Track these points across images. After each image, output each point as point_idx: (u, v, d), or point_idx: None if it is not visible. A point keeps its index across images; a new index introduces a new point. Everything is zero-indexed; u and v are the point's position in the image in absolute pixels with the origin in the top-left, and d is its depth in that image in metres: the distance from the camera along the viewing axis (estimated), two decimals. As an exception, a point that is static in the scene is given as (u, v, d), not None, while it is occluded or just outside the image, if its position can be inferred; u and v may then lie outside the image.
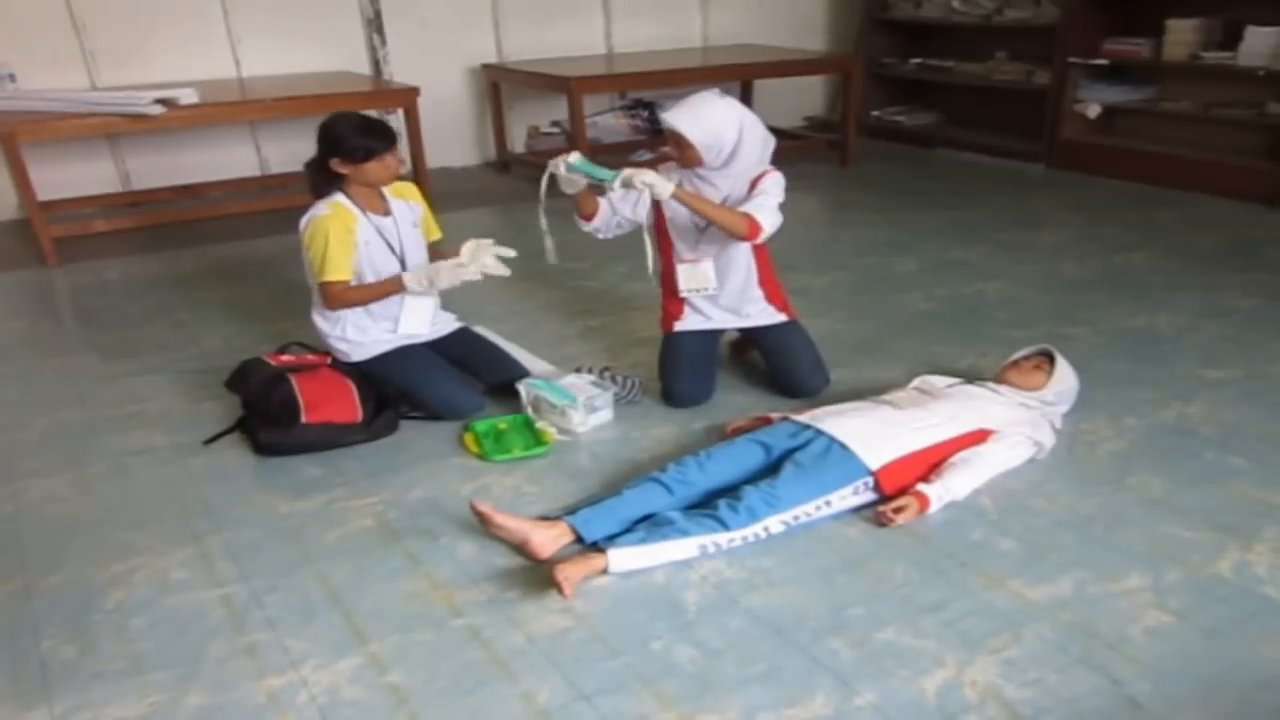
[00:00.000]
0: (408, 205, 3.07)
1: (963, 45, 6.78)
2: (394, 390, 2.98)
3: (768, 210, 2.78)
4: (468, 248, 2.92)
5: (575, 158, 2.74)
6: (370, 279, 2.95)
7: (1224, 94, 5.39)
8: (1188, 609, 2.05)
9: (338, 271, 2.88)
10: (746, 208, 2.76)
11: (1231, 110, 5.34)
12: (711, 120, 2.75)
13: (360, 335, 3.02)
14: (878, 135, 7.08)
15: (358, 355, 3.02)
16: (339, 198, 2.92)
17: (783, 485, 2.31)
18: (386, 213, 3.00)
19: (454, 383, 3.02)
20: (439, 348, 3.12)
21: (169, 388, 3.25)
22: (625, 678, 1.89)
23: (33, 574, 2.27)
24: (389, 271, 2.97)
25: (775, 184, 2.85)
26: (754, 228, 2.73)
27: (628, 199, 2.91)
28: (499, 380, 3.09)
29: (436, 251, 3.14)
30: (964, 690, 1.84)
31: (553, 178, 2.78)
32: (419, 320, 3.07)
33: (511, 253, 2.92)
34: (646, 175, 2.68)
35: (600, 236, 3.02)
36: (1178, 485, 2.51)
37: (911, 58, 7.02)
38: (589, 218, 2.96)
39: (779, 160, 2.94)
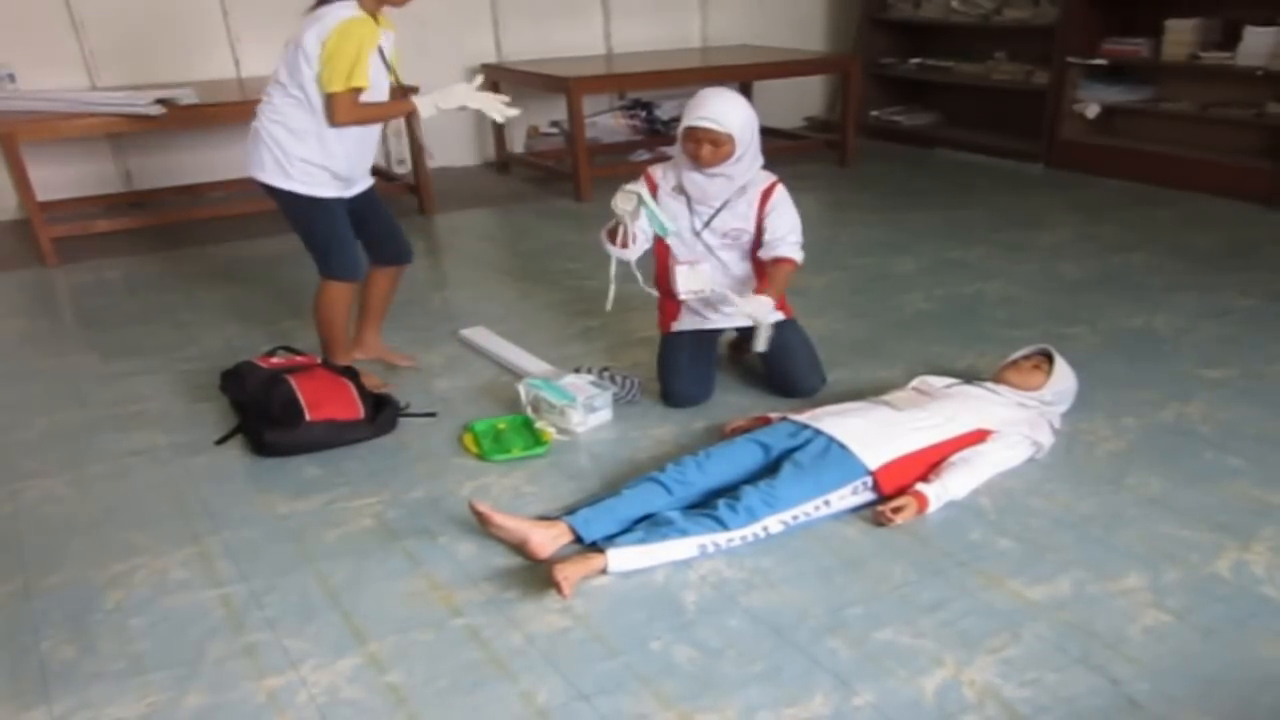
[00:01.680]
0: (388, 35, 2.97)
1: (961, 45, 6.78)
2: (299, 233, 3.03)
3: (800, 246, 2.93)
4: (460, 89, 2.97)
5: (646, 194, 2.79)
6: (364, 98, 2.85)
7: (1223, 94, 5.40)
8: (1186, 608, 2.05)
9: (363, 79, 2.78)
10: (785, 251, 2.89)
11: (1230, 110, 5.35)
12: (741, 112, 2.77)
13: (326, 160, 2.90)
14: (876, 135, 7.08)
15: (304, 187, 2.92)
16: (355, 5, 2.81)
17: (782, 485, 2.31)
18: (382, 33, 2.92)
19: (355, 249, 3.08)
20: (350, 205, 3.09)
21: (169, 388, 3.25)
22: (624, 677, 1.90)
23: (32, 574, 2.28)
24: (381, 94, 2.91)
25: (791, 204, 2.92)
26: (795, 266, 2.94)
27: (640, 218, 2.90)
28: (388, 260, 3.24)
29: (396, 90, 3.07)
30: (963, 690, 1.84)
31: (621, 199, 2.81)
32: (363, 165, 3.06)
33: (513, 112, 3.01)
34: (755, 308, 2.78)
35: (630, 259, 2.96)
36: (1176, 485, 2.51)
37: (910, 58, 7.03)
38: (625, 245, 2.89)
39: (779, 161, 2.96)
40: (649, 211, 2.80)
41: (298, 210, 2.99)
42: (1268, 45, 5.00)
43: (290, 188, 2.93)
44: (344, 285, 3.10)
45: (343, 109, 2.81)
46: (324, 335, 3.19)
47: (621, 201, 2.76)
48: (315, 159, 2.90)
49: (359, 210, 3.13)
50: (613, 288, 2.91)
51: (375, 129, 3.05)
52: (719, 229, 2.91)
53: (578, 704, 1.83)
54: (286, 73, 2.89)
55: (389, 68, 2.95)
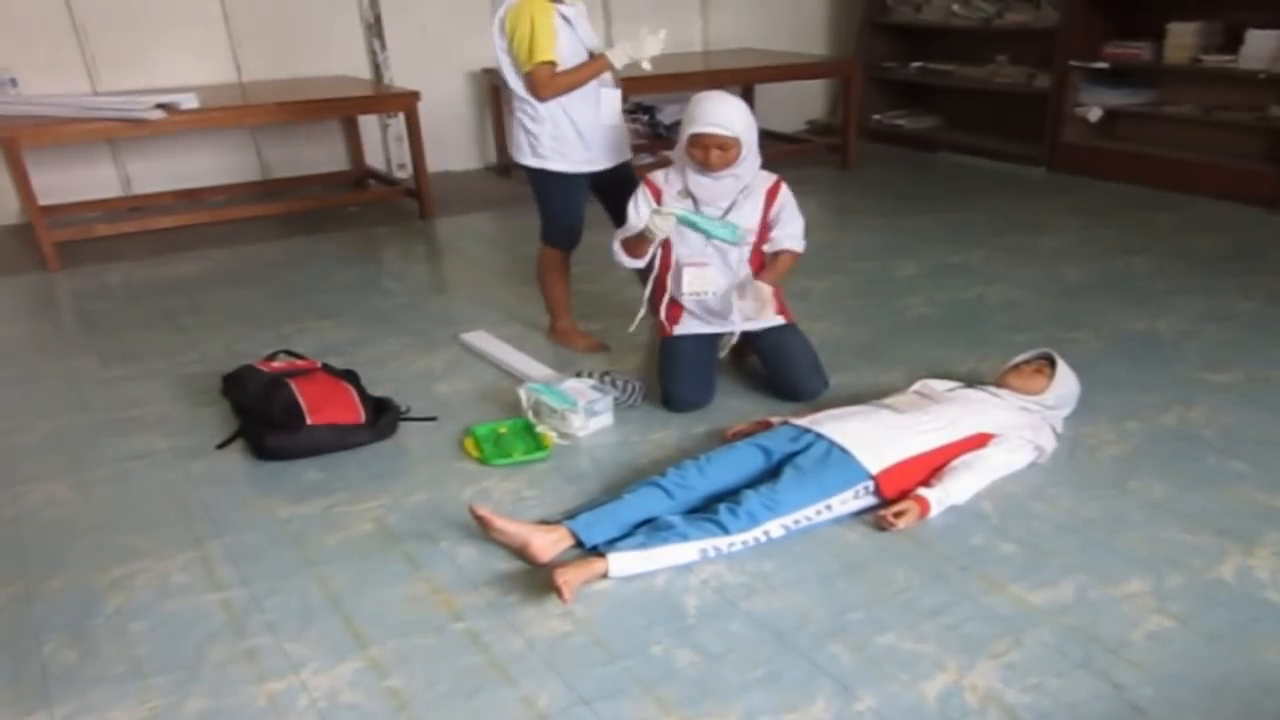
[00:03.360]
0: (576, 7, 3.15)
1: (963, 49, 6.78)
2: (536, 201, 3.29)
3: (801, 238, 2.97)
4: (652, 40, 3.14)
5: (676, 210, 2.82)
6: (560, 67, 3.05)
7: (1225, 97, 5.39)
8: (1189, 613, 2.04)
9: (546, 53, 2.96)
10: (789, 245, 2.94)
11: (1232, 113, 5.34)
12: (743, 113, 2.79)
13: (561, 145, 3.15)
14: (878, 139, 7.08)
15: (555, 164, 3.18)
16: None
17: (783, 489, 2.31)
18: (567, 1, 3.08)
19: (576, 224, 3.34)
20: (597, 179, 3.28)
21: (170, 392, 3.25)
22: (625, 682, 1.89)
23: (34, 578, 2.27)
24: (576, 62, 3.06)
25: (793, 200, 2.95)
26: (795, 258, 2.98)
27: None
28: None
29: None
30: (964, 695, 1.84)
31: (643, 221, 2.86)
32: (613, 110, 3.18)
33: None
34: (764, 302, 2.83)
35: (642, 266, 3.03)
36: (1179, 489, 2.50)
37: (912, 61, 7.03)
38: (641, 256, 2.95)
39: (781, 165, 2.97)
40: (703, 227, 2.82)
41: (539, 182, 3.27)
42: (1270, 48, 5.00)
43: (537, 164, 3.21)
44: (555, 251, 3.39)
45: (540, 83, 3.02)
46: (543, 295, 3.52)
47: (662, 224, 2.78)
48: (561, 135, 3.14)
49: (604, 185, 3.31)
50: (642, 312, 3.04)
51: (610, 103, 3.18)
52: None
53: (579, 709, 1.83)
54: (503, 67, 3.13)
55: (580, 33, 3.12)
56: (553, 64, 3.00)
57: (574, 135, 3.16)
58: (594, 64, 3.07)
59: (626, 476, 2.62)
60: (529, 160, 3.22)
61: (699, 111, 2.76)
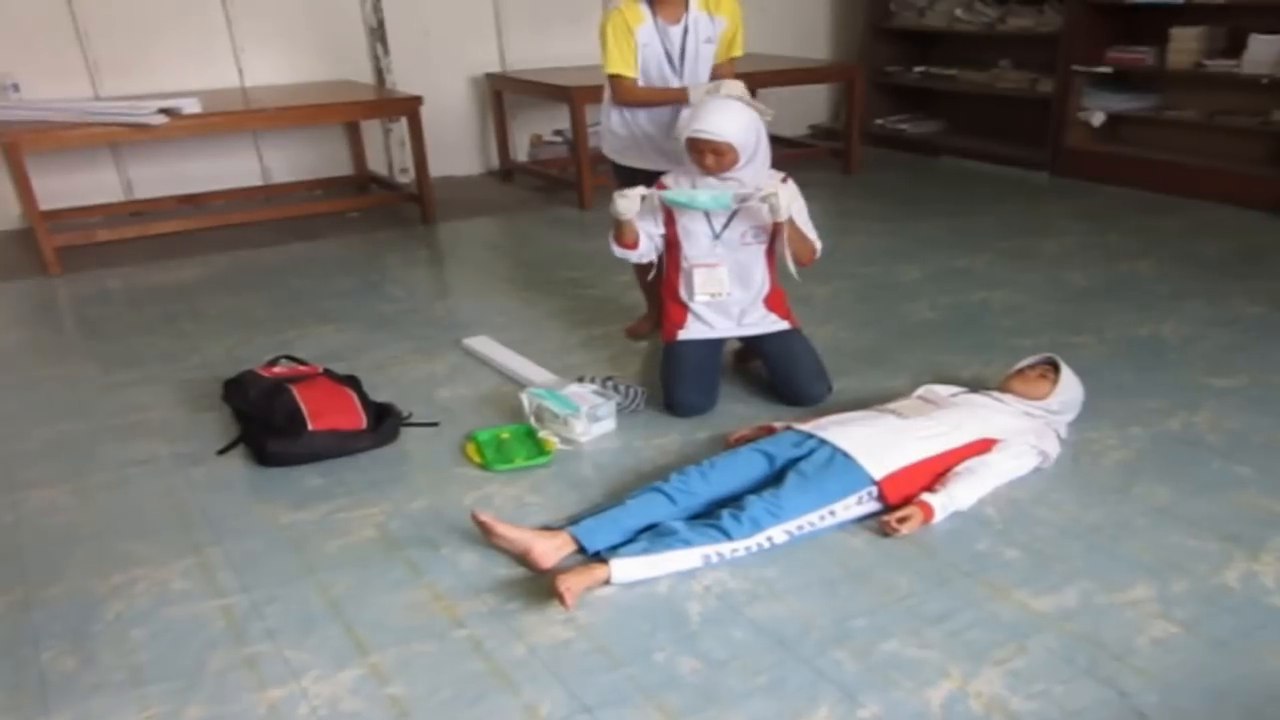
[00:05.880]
0: (710, 18, 3.16)
1: (966, 53, 6.78)
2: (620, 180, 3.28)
3: (808, 224, 2.96)
4: (736, 86, 2.96)
5: (643, 191, 2.84)
6: (640, 82, 3.17)
7: (1228, 102, 5.39)
8: (1194, 619, 2.03)
9: (615, 66, 3.13)
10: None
11: (1236, 118, 5.34)
12: (741, 120, 2.78)
13: (616, 137, 3.31)
14: (881, 143, 7.08)
15: (608, 148, 3.38)
16: None
17: (786, 495, 2.30)
18: (678, 20, 3.11)
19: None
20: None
21: (171, 397, 3.24)
22: (628, 689, 1.88)
23: (33, 584, 2.27)
24: (659, 77, 3.14)
25: (801, 198, 2.93)
26: (813, 257, 2.96)
27: (651, 214, 2.94)
28: None
29: (723, 69, 3.22)
30: (969, 702, 1.83)
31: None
32: (671, 147, 3.18)
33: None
34: (778, 194, 2.75)
35: (642, 260, 3.04)
36: (1184, 494, 2.49)
37: (915, 66, 7.03)
38: (632, 246, 2.96)
39: (784, 169, 2.97)
40: (683, 201, 2.83)
41: (611, 169, 3.43)
42: (1273, 53, 5.00)
43: (604, 151, 3.44)
44: None
45: (618, 90, 3.20)
46: None
47: (623, 205, 2.81)
48: (613, 129, 3.32)
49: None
50: None
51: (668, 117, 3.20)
52: (736, 230, 2.93)
53: (580, 716, 1.82)
54: None
55: (671, 51, 3.15)
56: (627, 78, 3.14)
57: (620, 125, 3.26)
58: (669, 93, 3.15)
59: (629, 482, 2.61)
60: (602, 146, 3.43)
61: (694, 116, 2.79)
